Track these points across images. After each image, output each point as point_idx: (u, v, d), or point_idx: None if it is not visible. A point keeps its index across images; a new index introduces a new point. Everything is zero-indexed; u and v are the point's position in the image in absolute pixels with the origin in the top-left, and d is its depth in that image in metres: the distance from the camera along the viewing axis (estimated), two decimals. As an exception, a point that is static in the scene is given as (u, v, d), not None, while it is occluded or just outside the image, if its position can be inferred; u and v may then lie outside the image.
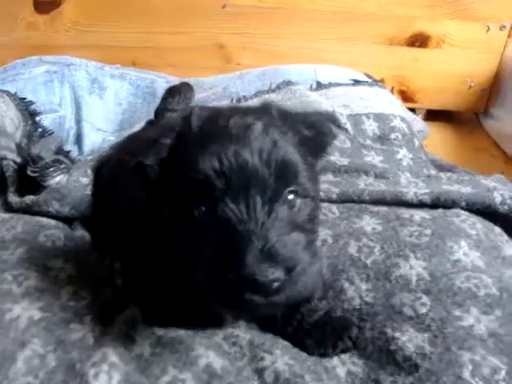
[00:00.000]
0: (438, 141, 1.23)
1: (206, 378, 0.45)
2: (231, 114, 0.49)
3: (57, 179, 0.71)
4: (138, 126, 0.91)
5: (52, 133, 0.90)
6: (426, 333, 0.52)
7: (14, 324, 0.46)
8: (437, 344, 0.50)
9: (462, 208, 0.71)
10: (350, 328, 0.57)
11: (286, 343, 0.55)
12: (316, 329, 0.57)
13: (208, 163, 0.44)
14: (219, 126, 0.47)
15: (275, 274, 0.41)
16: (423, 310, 0.55)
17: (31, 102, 0.97)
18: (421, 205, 0.71)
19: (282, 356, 0.52)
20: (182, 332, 0.53)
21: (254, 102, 0.91)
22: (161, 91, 1.04)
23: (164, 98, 1.00)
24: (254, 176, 0.44)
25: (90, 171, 0.74)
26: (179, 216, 0.46)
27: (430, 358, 0.49)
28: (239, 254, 0.42)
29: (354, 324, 0.58)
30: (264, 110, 0.51)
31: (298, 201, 0.47)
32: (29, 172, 0.70)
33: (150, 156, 0.47)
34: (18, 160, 0.75)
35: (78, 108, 1.01)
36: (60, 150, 0.79)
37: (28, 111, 0.95)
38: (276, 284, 0.41)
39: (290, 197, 0.46)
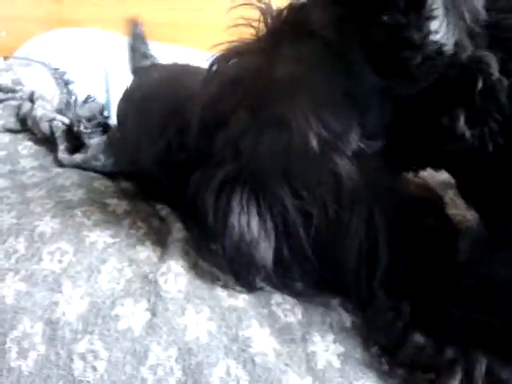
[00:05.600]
0: None
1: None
2: None
3: (102, 138, 0.81)
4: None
5: (94, 99, 0.99)
6: None
7: (94, 246, 0.56)
8: None
9: None
10: None
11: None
12: None
13: None
14: None
15: None
16: None
17: (64, 72, 1.06)
18: None
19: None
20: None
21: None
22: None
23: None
24: None
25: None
26: None
27: None
28: None
29: None
30: None
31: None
32: (82, 128, 0.79)
33: None
34: (66, 121, 0.84)
35: (106, 77, 1.10)
36: (102, 115, 0.89)
37: (62, 80, 1.05)
38: None
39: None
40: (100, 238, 0.58)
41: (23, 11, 1.23)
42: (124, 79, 1.11)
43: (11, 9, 1.24)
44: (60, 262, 0.54)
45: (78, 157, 0.79)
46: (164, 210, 0.68)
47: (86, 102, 0.95)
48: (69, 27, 1.16)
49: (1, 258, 0.55)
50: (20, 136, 0.89)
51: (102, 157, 0.78)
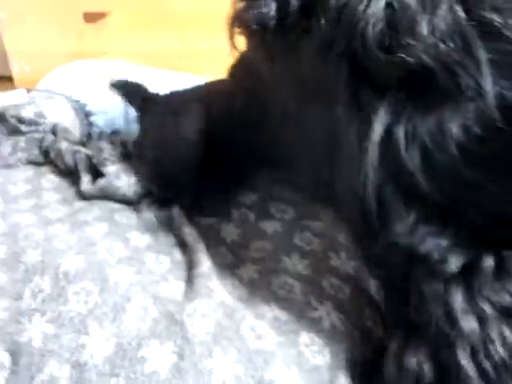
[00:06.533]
0: None
1: (277, 325, 0.54)
2: None
3: (122, 164, 0.81)
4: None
5: (116, 132, 1.00)
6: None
7: (118, 284, 0.57)
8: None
9: None
10: None
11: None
12: None
13: None
14: None
15: None
16: None
17: (85, 104, 1.08)
18: None
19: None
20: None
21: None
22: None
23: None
24: None
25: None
26: None
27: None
28: None
29: None
30: None
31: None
32: (102, 158, 0.79)
33: None
34: (89, 153, 0.85)
35: (125, 109, 1.11)
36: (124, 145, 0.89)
37: (83, 112, 1.06)
38: None
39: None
40: (124, 275, 0.58)
41: (46, 46, 1.26)
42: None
43: (35, 44, 1.27)
44: (86, 302, 0.54)
45: (98, 184, 0.79)
46: (190, 236, 0.68)
47: (106, 133, 0.96)
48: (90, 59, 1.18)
49: (27, 297, 0.55)
50: (43, 169, 0.90)
51: (124, 177, 0.78)
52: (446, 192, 0.41)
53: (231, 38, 0.60)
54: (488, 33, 0.39)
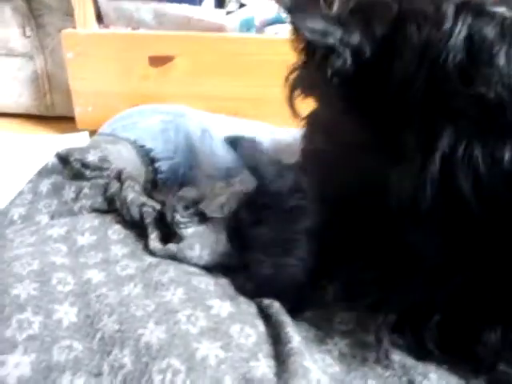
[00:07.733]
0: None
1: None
2: None
3: (197, 228, 0.76)
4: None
5: (182, 181, 0.95)
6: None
7: (206, 362, 0.51)
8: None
9: None
10: None
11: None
12: None
13: None
14: None
15: None
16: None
17: (150, 149, 1.05)
18: None
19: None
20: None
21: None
22: (263, 141, 1.12)
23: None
24: None
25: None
26: None
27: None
28: None
29: None
30: None
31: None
32: (177, 219, 0.75)
33: None
34: (158, 207, 0.81)
35: (191, 155, 1.08)
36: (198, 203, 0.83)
37: (148, 158, 1.03)
38: None
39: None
40: (211, 351, 0.53)
41: (110, 87, 1.26)
42: (207, 155, 1.10)
43: (98, 85, 1.27)
44: (172, 383, 0.48)
45: (169, 250, 0.74)
46: (272, 308, 0.63)
47: (172, 182, 0.92)
48: (154, 103, 1.16)
49: (107, 373, 0.50)
50: (108, 218, 0.86)
51: (197, 247, 0.73)
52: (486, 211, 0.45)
53: (291, 104, 0.66)
54: None
